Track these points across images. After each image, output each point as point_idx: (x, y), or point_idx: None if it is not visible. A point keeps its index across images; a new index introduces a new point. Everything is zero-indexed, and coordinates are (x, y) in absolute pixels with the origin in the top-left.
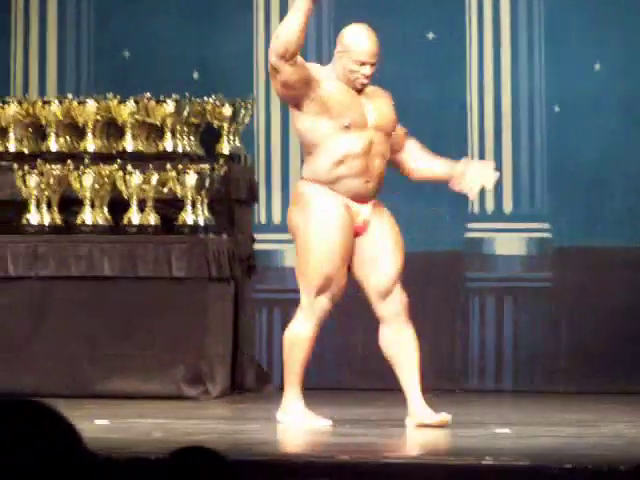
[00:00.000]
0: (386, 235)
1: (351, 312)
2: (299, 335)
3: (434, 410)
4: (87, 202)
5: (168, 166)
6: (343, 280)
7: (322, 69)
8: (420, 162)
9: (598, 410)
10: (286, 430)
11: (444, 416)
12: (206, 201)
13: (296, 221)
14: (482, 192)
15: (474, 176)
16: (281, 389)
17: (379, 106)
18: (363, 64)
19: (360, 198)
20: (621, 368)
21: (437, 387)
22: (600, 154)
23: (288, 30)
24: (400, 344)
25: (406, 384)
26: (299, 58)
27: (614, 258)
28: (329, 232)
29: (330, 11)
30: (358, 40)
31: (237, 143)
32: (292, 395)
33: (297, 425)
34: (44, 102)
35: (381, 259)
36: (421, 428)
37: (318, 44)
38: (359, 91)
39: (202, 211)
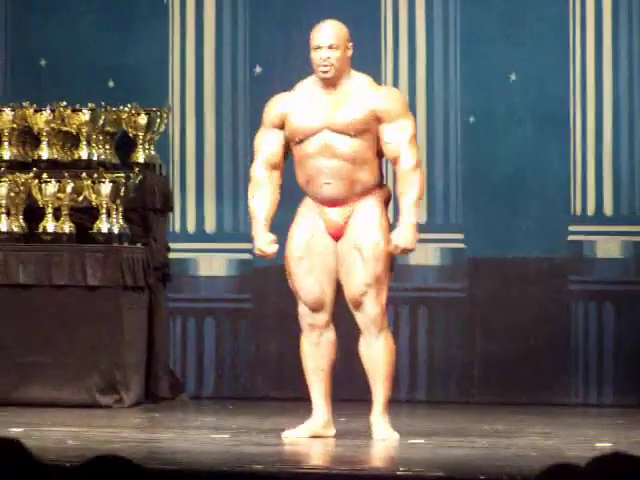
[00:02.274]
0: (360, 243)
1: (267, 320)
2: (300, 347)
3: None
4: (3, 210)
5: (83, 174)
6: (316, 288)
7: (287, 96)
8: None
9: (512, 421)
10: (201, 440)
11: (392, 438)
12: (121, 210)
13: None
14: (395, 202)
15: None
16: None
17: (346, 107)
18: (318, 48)
19: (328, 202)
20: (534, 379)
21: (350, 397)
22: (515, 165)
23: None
24: (368, 358)
25: (372, 398)
26: (277, 167)
27: (527, 269)
28: (292, 240)
29: (245, 19)
30: (313, 30)
31: (152, 152)
32: (313, 405)
33: (300, 439)
34: None
35: (352, 269)
36: (334, 438)
37: (233, 62)
38: (334, 86)
39: (117, 220)
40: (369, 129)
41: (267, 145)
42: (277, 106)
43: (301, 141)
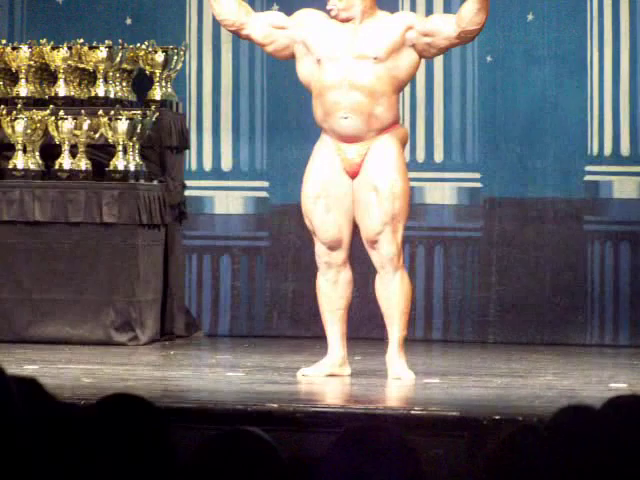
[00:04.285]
0: (377, 181)
1: (283, 258)
2: (317, 286)
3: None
4: (19, 147)
5: (100, 112)
6: (333, 227)
7: (313, 14)
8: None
9: (527, 361)
10: (215, 378)
11: (407, 378)
12: (137, 147)
13: None
14: (412, 141)
15: None
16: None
17: (369, 34)
18: None
19: (345, 138)
20: (550, 319)
21: (367, 336)
22: (532, 105)
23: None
24: (384, 297)
25: (388, 337)
26: (251, 19)
27: (544, 209)
28: (309, 179)
29: None
30: None
31: (169, 89)
32: (329, 344)
33: (317, 378)
34: None
35: (368, 208)
36: (350, 377)
37: None
38: (360, 22)
39: (133, 157)
40: (396, 50)
41: (272, 16)
42: (308, 14)
43: (319, 62)
